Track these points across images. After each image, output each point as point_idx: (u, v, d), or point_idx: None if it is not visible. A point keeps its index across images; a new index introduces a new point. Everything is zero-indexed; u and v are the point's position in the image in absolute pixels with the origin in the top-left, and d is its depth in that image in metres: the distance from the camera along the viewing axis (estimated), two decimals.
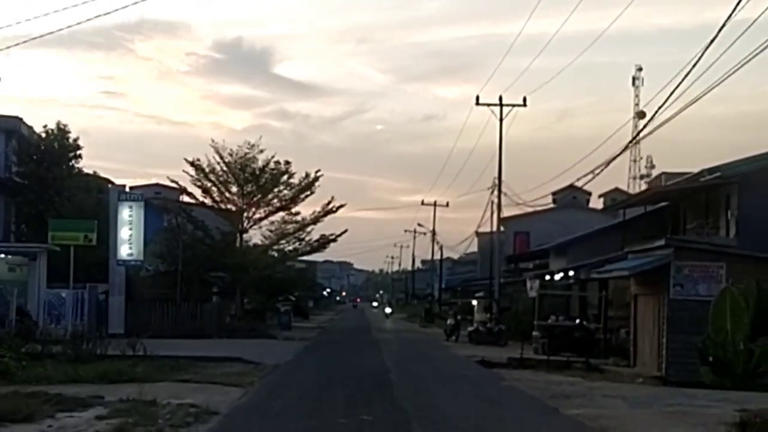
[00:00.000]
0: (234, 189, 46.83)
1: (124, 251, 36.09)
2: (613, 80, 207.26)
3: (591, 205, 75.72)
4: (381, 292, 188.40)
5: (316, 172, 47.84)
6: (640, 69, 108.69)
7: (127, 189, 43.30)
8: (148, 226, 38.19)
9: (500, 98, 45.15)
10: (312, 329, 54.58)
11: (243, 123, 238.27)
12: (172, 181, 45.76)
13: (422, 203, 79.31)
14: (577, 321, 33.65)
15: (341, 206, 48.55)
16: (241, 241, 47.09)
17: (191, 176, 46.15)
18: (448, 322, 44.72)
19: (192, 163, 45.86)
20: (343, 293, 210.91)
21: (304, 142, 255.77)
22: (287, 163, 47.53)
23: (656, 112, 20.36)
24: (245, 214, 47.10)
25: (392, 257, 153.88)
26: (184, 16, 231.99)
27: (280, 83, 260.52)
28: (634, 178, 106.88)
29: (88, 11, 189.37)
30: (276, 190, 47.37)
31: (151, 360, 22.49)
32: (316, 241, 48.25)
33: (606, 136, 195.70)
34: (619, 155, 28.18)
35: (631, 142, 34.32)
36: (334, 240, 48.41)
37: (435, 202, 79.32)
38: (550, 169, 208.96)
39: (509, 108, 46.46)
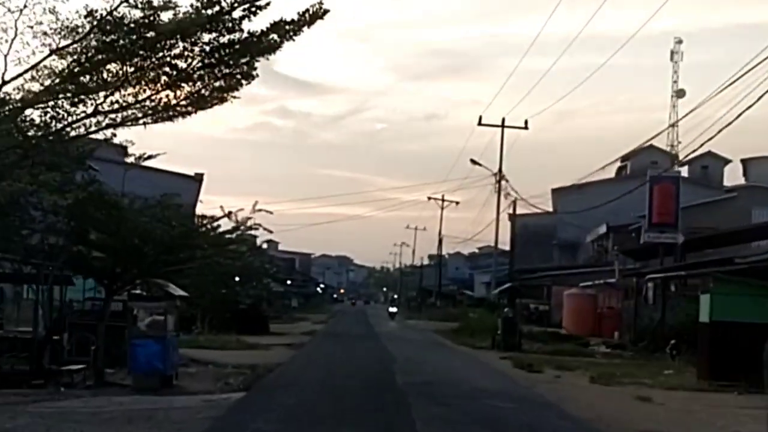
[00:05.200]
0: None
1: None
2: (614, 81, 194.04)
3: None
4: (384, 289, 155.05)
5: None
6: (680, 41, 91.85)
7: None
8: None
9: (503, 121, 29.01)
10: (230, 380, 17.72)
11: (245, 121, 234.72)
12: None
13: (479, 122, 42.00)
14: None
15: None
16: None
17: None
18: None
19: None
20: (341, 290, 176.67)
21: (306, 140, 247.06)
22: None
23: None
24: None
25: (403, 243, 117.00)
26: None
27: (282, 81, 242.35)
28: (673, 163, 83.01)
29: (86, 7, 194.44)
30: None
31: None
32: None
33: (607, 136, 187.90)
34: None
35: None
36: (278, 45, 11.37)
37: (502, 120, 42.17)
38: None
39: None
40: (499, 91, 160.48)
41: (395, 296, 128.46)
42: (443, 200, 67.91)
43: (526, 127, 41.21)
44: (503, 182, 40.97)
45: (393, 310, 68.95)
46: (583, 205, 69.66)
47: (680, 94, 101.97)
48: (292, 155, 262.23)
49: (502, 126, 41.36)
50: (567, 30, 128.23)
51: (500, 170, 41.27)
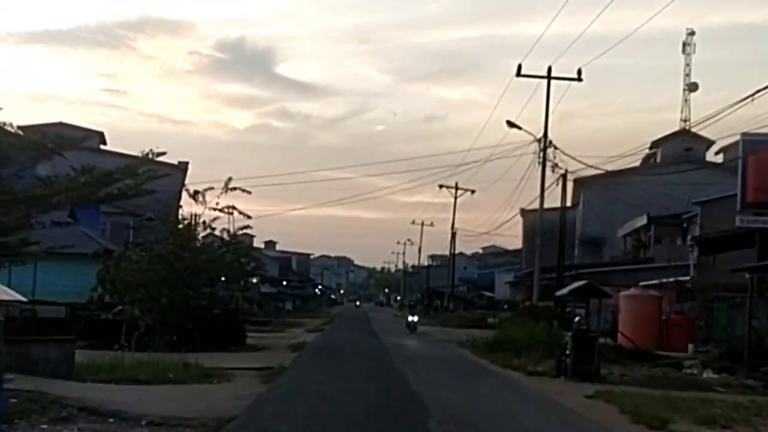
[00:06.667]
0: None
1: None
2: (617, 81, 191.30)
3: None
4: (386, 290, 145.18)
5: None
6: (692, 33, 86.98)
7: None
8: None
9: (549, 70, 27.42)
10: None
11: (245, 122, 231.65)
12: None
13: (518, 72, 31.96)
14: None
15: None
16: None
17: None
18: None
19: None
20: (341, 292, 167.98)
21: (306, 142, 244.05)
22: None
23: None
24: None
25: (407, 241, 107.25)
26: (187, 16, 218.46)
27: (282, 83, 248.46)
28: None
29: (91, 9, 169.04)
30: None
31: None
32: None
33: (607, 137, 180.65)
34: None
35: None
36: None
37: (548, 70, 32.20)
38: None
39: None
40: (504, 91, 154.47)
41: (398, 297, 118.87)
42: (456, 188, 58.25)
43: (579, 79, 31.36)
44: (550, 150, 30.97)
45: (413, 319, 44.04)
46: (608, 197, 60.66)
47: (692, 87, 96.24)
48: (291, 157, 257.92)
49: (548, 77, 31.52)
50: (568, 31, 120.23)
51: (545, 135, 31.41)
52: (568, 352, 19.23)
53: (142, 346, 24.17)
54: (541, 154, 30.75)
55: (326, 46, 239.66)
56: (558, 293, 21.14)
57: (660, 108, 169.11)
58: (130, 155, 57.27)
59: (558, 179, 31.10)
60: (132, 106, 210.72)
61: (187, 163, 58.02)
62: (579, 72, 30.68)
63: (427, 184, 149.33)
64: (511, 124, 31.25)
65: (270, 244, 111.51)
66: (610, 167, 39.96)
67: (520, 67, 30.88)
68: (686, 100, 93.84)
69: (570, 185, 59.53)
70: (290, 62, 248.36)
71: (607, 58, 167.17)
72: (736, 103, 24.05)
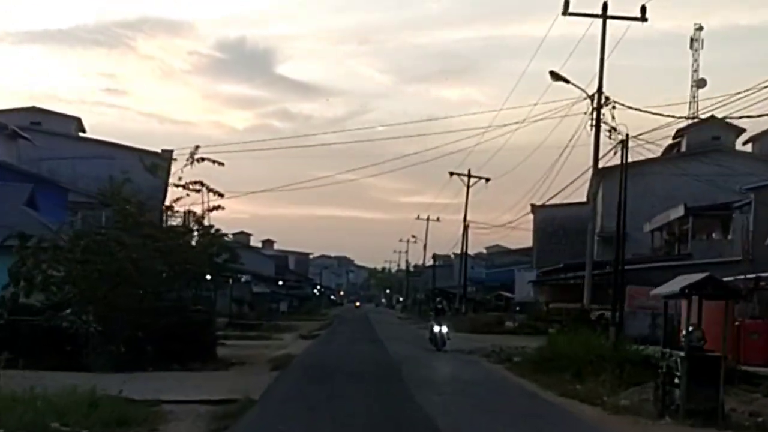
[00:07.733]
0: None
1: None
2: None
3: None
4: (387, 291, 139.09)
5: None
6: (700, 28, 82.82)
7: None
8: None
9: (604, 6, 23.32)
10: None
11: (245, 123, 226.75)
12: None
13: (565, 9, 24.93)
14: None
15: None
16: None
17: None
18: None
19: None
20: (341, 293, 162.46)
21: (306, 142, 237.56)
22: None
23: None
24: None
25: (413, 238, 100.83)
26: (187, 15, 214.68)
27: (283, 83, 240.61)
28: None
29: (90, 8, 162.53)
30: None
31: None
32: None
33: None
34: None
35: None
36: None
37: (604, 5, 25.17)
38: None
39: None
40: (509, 95, 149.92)
41: (401, 298, 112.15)
42: (469, 176, 51.39)
43: (643, 18, 24.38)
44: (605, 110, 24.06)
45: (441, 329, 29.83)
46: (630, 189, 54.58)
47: (701, 83, 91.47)
48: (291, 158, 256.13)
49: (604, 16, 24.52)
50: (569, 32, 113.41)
51: (600, 90, 24.33)
52: (677, 380, 12.41)
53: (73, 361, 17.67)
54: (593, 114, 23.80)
55: (326, 46, 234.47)
56: (657, 291, 14.26)
57: (660, 108, 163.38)
58: (108, 142, 51.50)
59: (617, 146, 24.16)
60: (131, 105, 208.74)
61: (171, 152, 52.21)
62: (643, 9, 23.61)
63: (429, 184, 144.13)
64: (556, 75, 24.07)
65: (267, 242, 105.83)
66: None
67: (567, 3, 23.87)
68: (694, 97, 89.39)
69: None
70: (290, 63, 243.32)
71: (610, 60, 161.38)
72: None
